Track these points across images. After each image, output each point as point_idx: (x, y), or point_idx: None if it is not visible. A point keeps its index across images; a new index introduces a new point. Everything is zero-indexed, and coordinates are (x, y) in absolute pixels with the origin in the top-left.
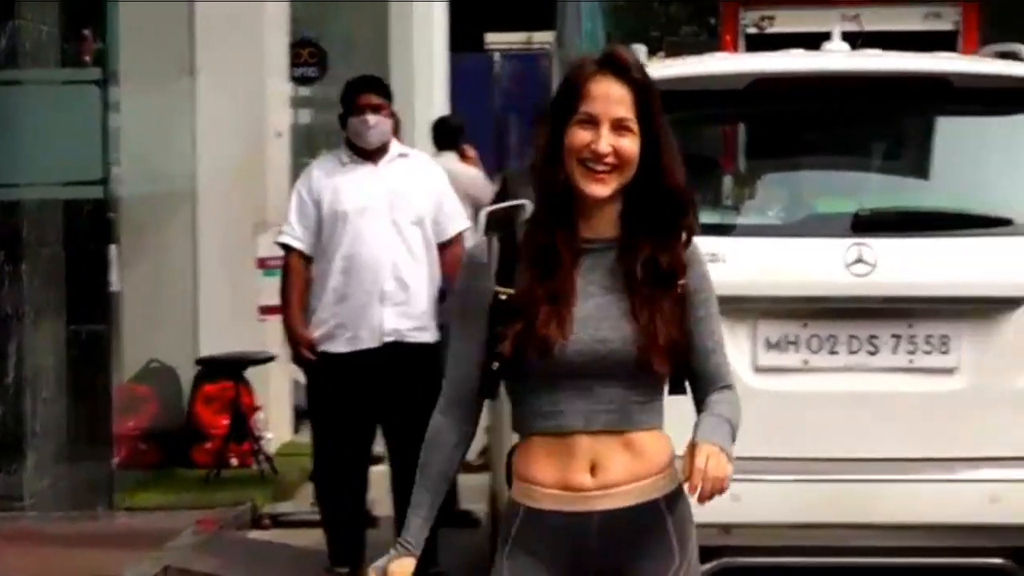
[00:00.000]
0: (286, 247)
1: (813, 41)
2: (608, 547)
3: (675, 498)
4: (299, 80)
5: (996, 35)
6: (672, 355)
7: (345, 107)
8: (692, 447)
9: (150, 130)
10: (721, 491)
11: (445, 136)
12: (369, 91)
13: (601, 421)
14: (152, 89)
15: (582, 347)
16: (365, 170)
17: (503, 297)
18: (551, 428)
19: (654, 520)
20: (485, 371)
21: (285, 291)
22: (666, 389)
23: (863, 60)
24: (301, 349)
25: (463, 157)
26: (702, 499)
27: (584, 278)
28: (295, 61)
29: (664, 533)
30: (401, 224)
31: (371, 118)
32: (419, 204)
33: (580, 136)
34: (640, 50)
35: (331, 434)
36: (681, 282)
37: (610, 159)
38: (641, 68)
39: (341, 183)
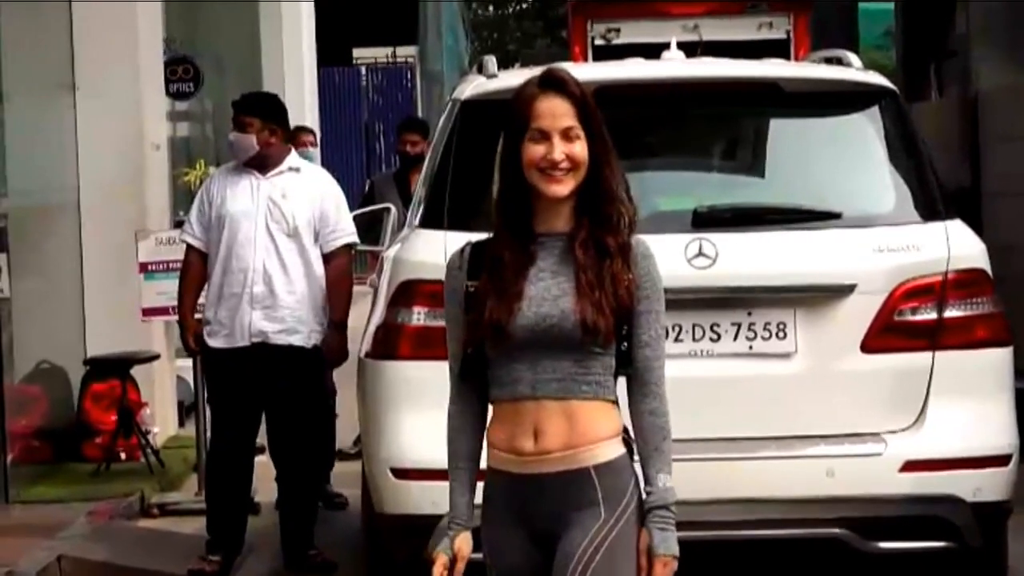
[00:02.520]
0: (187, 243)
1: (655, 51)
2: (543, 507)
3: (608, 468)
4: (175, 95)
5: (825, 42)
6: (611, 320)
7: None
8: (650, 554)
9: (34, 144)
10: None
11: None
12: (237, 108)
13: (545, 389)
14: (35, 105)
15: (526, 322)
16: (251, 179)
17: (471, 290)
18: (506, 396)
19: (583, 485)
20: (463, 355)
21: (181, 285)
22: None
23: (698, 67)
24: (187, 339)
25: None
26: None
27: (537, 266)
28: (171, 77)
29: (592, 496)
30: (275, 232)
31: (232, 135)
32: (297, 216)
33: (535, 150)
34: (490, 61)
35: (219, 423)
36: (628, 276)
37: (564, 164)
38: (577, 82)
39: (230, 189)
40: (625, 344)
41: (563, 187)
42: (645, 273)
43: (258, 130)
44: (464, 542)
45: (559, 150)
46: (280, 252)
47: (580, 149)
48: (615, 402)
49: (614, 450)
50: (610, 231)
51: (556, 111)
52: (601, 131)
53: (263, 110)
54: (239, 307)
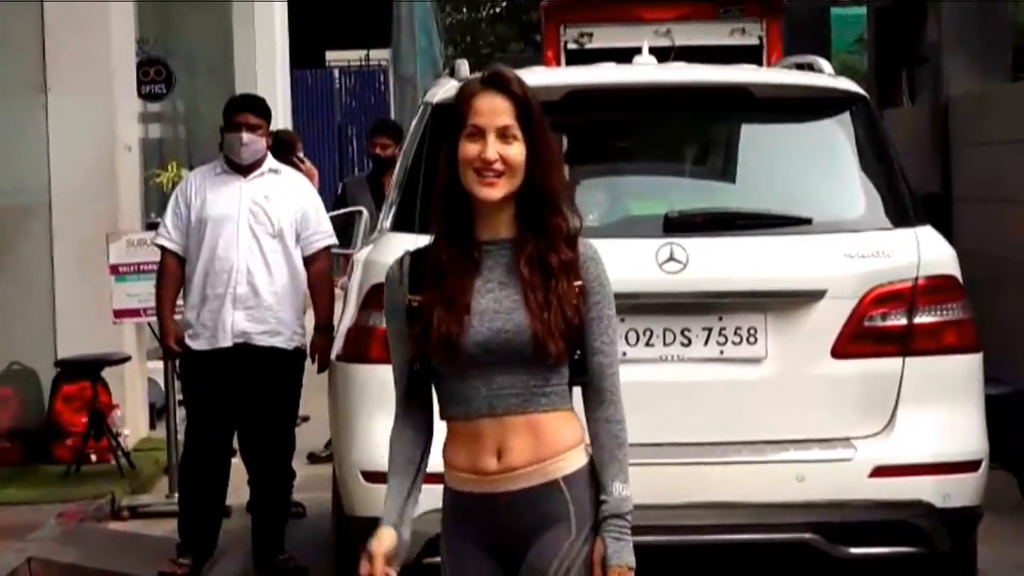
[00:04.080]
0: (161, 248)
1: (628, 55)
2: (513, 525)
3: (576, 478)
4: (147, 96)
5: (797, 48)
6: (565, 343)
7: (224, 122)
8: (604, 564)
9: (5, 145)
10: None
11: (278, 149)
12: (247, 110)
13: (504, 405)
14: (6, 105)
15: (480, 338)
16: (234, 182)
17: (414, 304)
18: (461, 414)
19: (554, 498)
20: (409, 371)
21: (158, 288)
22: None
23: (669, 72)
24: (169, 342)
25: (298, 169)
26: None
27: (483, 276)
28: (143, 79)
29: (564, 510)
30: (259, 234)
31: (245, 136)
32: (280, 218)
33: (470, 148)
34: (463, 65)
35: (196, 426)
36: (578, 283)
37: (498, 165)
38: (521, 83)
39: (210, 191)
40: (578, 353)
41: (495, 191)
42: (594, 278)
43: (265, 133)
44: (378, 541)
45: (492, 149)
46: (264, 253)
47: (516, 151)
48: (573, 410)
49: (580, 459)
50: (552, 248)
51: (495, 109)
52: (544, 136)
53: (267, 112)
54: (222, 308)
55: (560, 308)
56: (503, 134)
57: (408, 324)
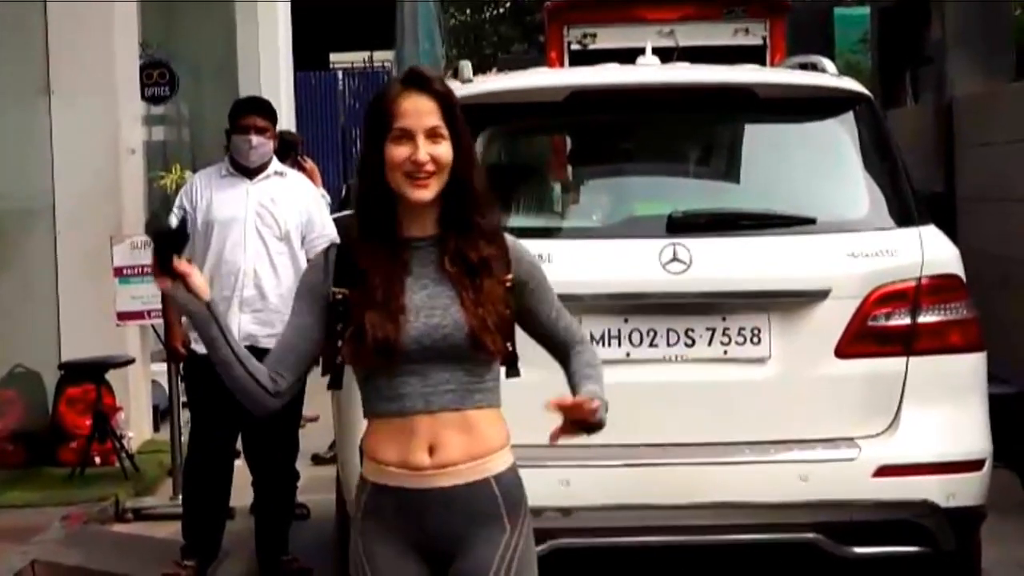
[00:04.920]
0: None
1: (631, 56)
2: (445, 520)
3: (507, 477)
4: (151, 99)
5: (801, 48)
6: (500, 338)
7: (231, 124)
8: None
9: (9, 148)
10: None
11: (282, 150)
12: (254, 112)
13: (440, 402)
14: (9, 109)
15: (416, 335)
16: (240, 184)
17: (339, 296)
18: (394, 410)
19: (486, 496)
20: (330, 366)
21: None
22: (502, 373)
23: (672, 72)
24: (176, 345)
25: (301, 169)
26: (596, 420)
27: (414, 273)
28: (147, 81)
29: (496, 508)
30: (266, 237)
31: (254, 139)
32: (286, 220)
33: (399, 151)
34: (466, 66)
35: (200, 428)
36: (508, 276)
37: (429, 166)
38: (442, 81)
39: (216, 194)
40: (511, 345)
41: (428, 191)
42: (525, 268)
43: (273, 135)
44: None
45: (424, 151)
46: (271, 256)
47: (445, 150)
48: (500, 408)
49: (508, 459)
50: (473, 246)
51: (421, 109)
52: (466, 133)
53: (274, 115)
54: (228, 311)
55: (491, 303)
56: (432, 134)
57: (330, 313)
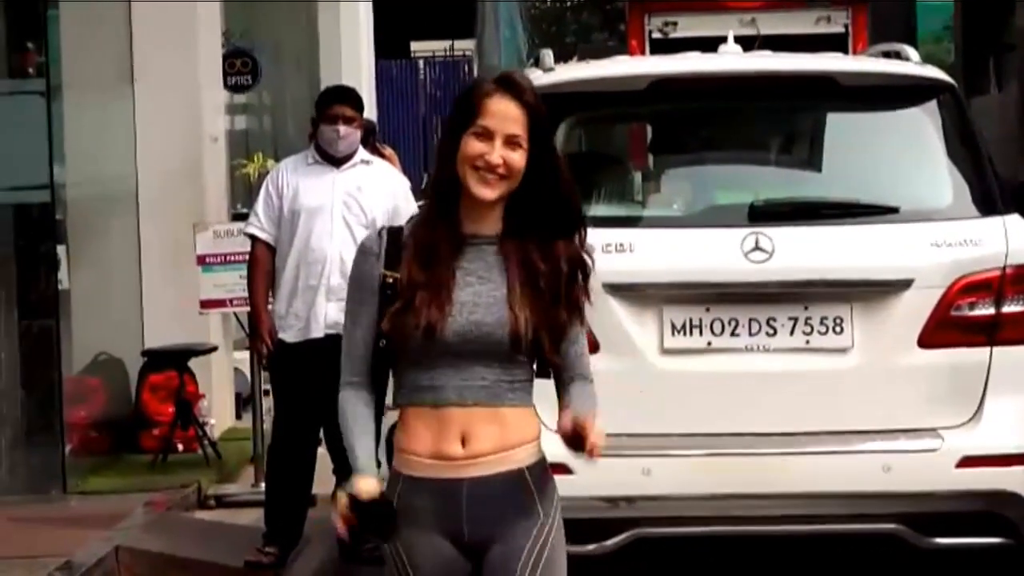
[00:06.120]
0: (252, 237)
1: (713, 44)
2: (478, 510)
3: (538, 469)
4: (233, 88)
5: (883, 36)
6: (541, 342)
7: (318, 113)
8: (581, 422)
9: (93, 136)
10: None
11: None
12: (343, 102)
13: (474, 396)
14: (94, 97)
15: (458, 328)
16: (327, 173)
17: (390, 280)
18: (428, 401)
19: (518, 486)
20: (375, 350)
21: (251, 279)
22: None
23: (754, 61)
24: (263, 333)
25: (379, 155)
26: (595, 457)
27: (464, 268)
28: (229, 70)
29: (529, 497)
30: (352, 225)
31: (342, 128)
32: (372, 208)
33: (475, 146)
34: (547, 55)
35: (285, 416)
36: (572, 286)
37: (501, 169)
38: (533, 91)
39: (303, 182)
40: (547, 350)
41: (492, 192)
42: (581, 289)
43: (359, 125)
44: (367, 486)
45: (498, 154)
46: (357, 244)
47: (519, 158)
48: (534, 407)
49: (539, 452)
50: (571, 243)
51: (507, 114)
52: (551, 144)
53: (360, 104)
54: (315, 299)
55: (565, 304)
56: (510, 141)
57: (380, 297)
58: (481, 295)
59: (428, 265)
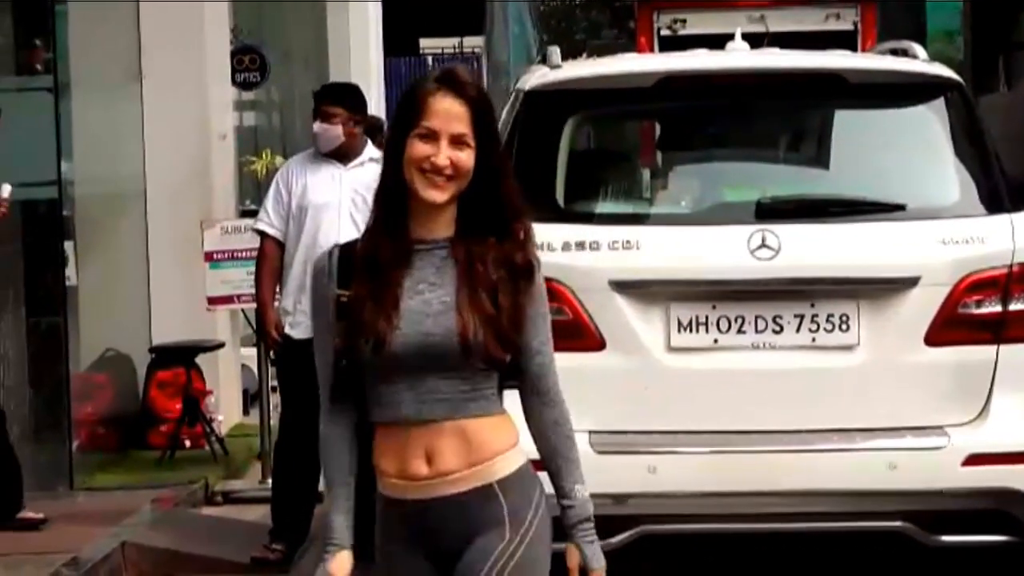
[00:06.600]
0: (261, 233)
1: (721, 42)
2: (446, 530)
3: (511, 481)
4: (241, 85)
5: (892, 34)
6: (497, 349)
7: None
8: (583, 571)
9: (101, 133)
10: None
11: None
12: (323, 99)
13: (433, 411)
14: (102, 94)
15: (408, 340)
16: (333, 170)
17: (343, 299)
18: (389, 418)
19: (488, 503)
20: (335, 370)
21: (258, 275)
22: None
23: (762, 58)
24: (270, 330)
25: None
26: None
27: (414, 276)
28: (237, 67)
29: (499, 515)
30: (360, 222)
31: (317, 125)
32: None
33: (421, 148)
34: (555, 52)
35: (292, 413)
36: (523, 290)
37: (448, 171)
38: (477, 86)
39: (311, 179)
40: (505, 356)
41: (442, 194)
42: (538, 288)
43: (343, 121)
44: (340, 565)
45: (444, 155)
46: None
47: (467, 157)
48: (506, 412)
49: (516, 461)
50: (517, 247)
51: (451, 113)
52: (497, 141)
53: (348, 101)
54: None
55: (510, 310)
56: (457, 140)
57: (336, 319)
58: (431, 303)
59: (373, 276)
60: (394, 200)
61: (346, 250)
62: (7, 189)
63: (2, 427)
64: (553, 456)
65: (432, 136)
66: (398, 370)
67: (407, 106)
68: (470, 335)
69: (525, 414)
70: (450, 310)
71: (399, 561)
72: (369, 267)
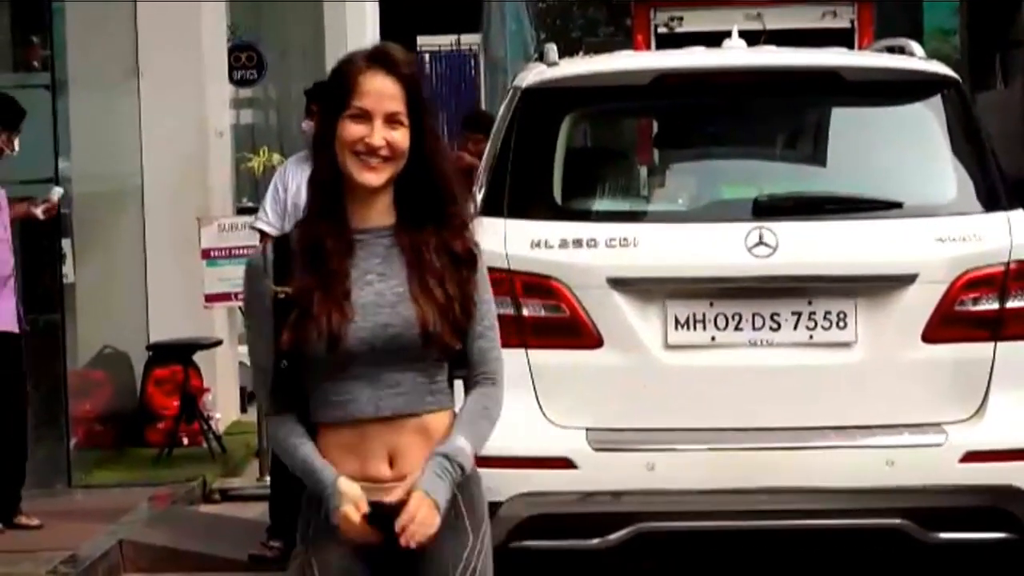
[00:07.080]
0: (261, 232)
1: (718, 39)
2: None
3: (468, 482)
4: (239, 82)
5: (889, 32)
6: (452, 338)
7: None
8: (414, 491)
9: (98, 130)
10: (425, 537)
11: None
12: (315, 98)
13: (391, 406)
14: (99, 91)
15: (365, 334)
16: None
17: (281, 296)
18: (343, 418)
19: (449, 504)
20: (275, 372)
21: None
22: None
23: (759, 56)
24: None
25: None
26: (406, 543)
27: (359, 267)
28: (234, 64)
29: (457, 514)
30: None
31: (305, 124)
32: None
33: (354, 130)
34: (551, 49)
35: None
36: (468, 274)
37: (384, 151)
38: (410, 63)
39: (304, 178)
40: (459, 345)
41: (378, 176)
42: (481, 274)
43: None
44: (349, 487)
45: (379, 135)
46: None
47: (402, 137)
48: (455, 409)
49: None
50: (456, 235)
51: (383, 91)
52: (432, 120)
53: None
54: None
55: (460, 298)
56: (391, 119)
57: (276, 317)
58: (384, 294)
59: (318, 268)
60: (330, 188)
61: (280, 245)
62: (57, 192)
63: (16, 423)
64: (462, 414)
65: (365, 116)
66: (353, 365)
67: (337, 86)
68: (430, 325)
69: (464, 391)
70: (405, 300)
71: (341, 563)
72: (312, 258)
